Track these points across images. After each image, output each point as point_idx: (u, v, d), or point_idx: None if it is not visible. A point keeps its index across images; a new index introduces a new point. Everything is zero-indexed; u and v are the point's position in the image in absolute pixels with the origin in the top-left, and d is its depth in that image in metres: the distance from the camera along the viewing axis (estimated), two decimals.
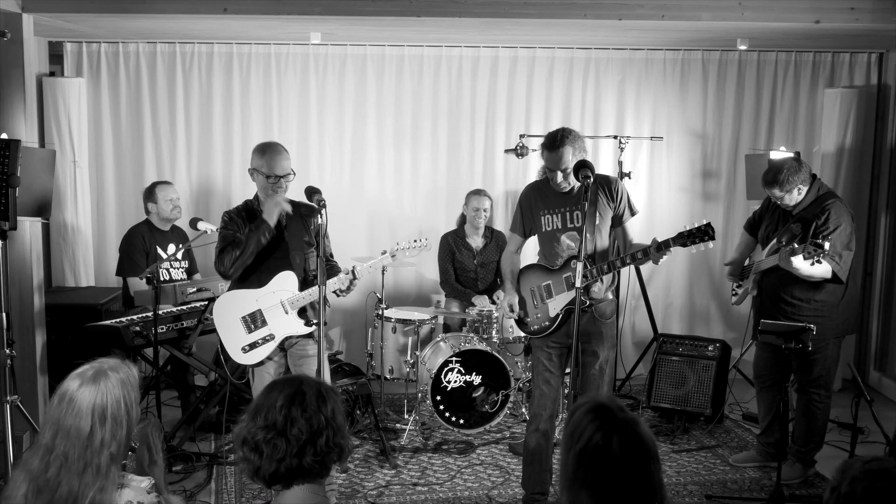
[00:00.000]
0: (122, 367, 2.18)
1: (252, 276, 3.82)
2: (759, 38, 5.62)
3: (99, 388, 2.10)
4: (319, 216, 3.58)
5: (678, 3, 4.92)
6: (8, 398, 4.03)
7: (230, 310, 3.83)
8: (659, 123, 6.23)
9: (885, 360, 6.10)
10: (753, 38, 5.58)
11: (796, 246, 3.86)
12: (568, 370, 3.77)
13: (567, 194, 3.74)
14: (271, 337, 3.80)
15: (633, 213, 3.81)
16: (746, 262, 4.53)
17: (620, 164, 5.67)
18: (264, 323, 3.79)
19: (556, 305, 3.76)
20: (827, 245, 3.72)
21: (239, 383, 4.84)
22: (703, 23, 5.02)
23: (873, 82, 6.18)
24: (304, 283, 3.82)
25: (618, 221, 3.78)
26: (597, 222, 3.70)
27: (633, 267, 5.76)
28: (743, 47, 5.75)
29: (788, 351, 3.99)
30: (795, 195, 4.14)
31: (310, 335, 3.84)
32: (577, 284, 3.36)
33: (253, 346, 3.79)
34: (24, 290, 4.80)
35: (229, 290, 3.93)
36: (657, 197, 6.31)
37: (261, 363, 3.81)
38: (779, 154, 5.51)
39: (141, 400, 5.05)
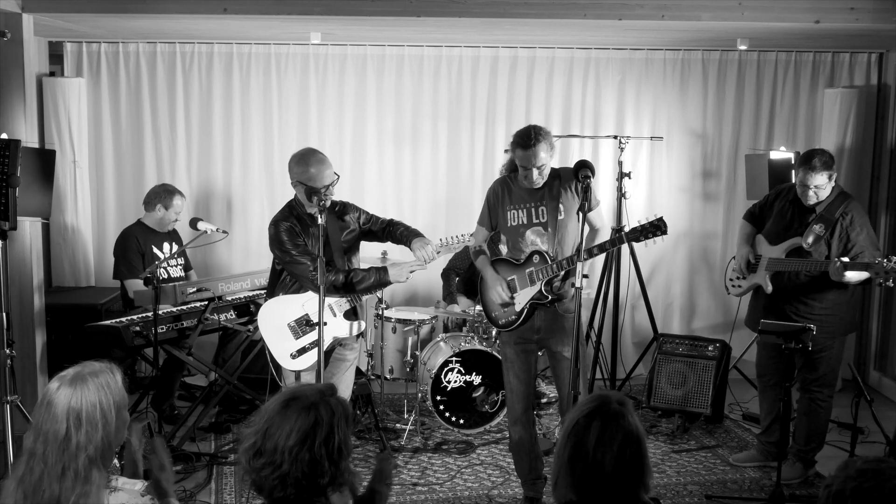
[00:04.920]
0: (105, 371, 2.17)
1: (297, 281, 3.77)
2: (759, 38, 5.61)
3: (75, 392, 2.09)
4: (320, 216, 3.56)
5: (678, 3, 4.92)
6: (8, 398, 4.04)
7: (277, 316, 3.77)
8: (659, 123, 6.23)
9: (885, 360, 6.10)
10: (753, 38, 5.58)
11: (846, 260, 3.98)
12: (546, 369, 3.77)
13: (534, 190, 3.76)
14: None
15: (597, 203, 3.87)
16: (752, 259, 4.50)
17: (620, 164, 5.66)
18: (312, 327, 3.73)
19: (520, 300, 3.78)
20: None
21: (238, 384, 4.85)
22: (703, 23, 5.02)
23: (873, 82, 6.17)
24: (347, 284, 3.76)
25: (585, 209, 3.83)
26: (560, 217, 3.73)
27: (633, 266, 5.74)
28: (743, 47, 5.75)
29: (789, 351, 3.99)
30: (831, 183, 4.16)
31: (358, 336, 3.84)
32: (577, 284, 3.37)
33: (302, 351, 3.74)
34: (24, 290, 4.81)
35: (270, 296, 3.86)
36: (657, 197, 6.30)
37: (307, 369, 3.74)
38: (779, 154, 5.52)
39: (140, 400, 5.07)
